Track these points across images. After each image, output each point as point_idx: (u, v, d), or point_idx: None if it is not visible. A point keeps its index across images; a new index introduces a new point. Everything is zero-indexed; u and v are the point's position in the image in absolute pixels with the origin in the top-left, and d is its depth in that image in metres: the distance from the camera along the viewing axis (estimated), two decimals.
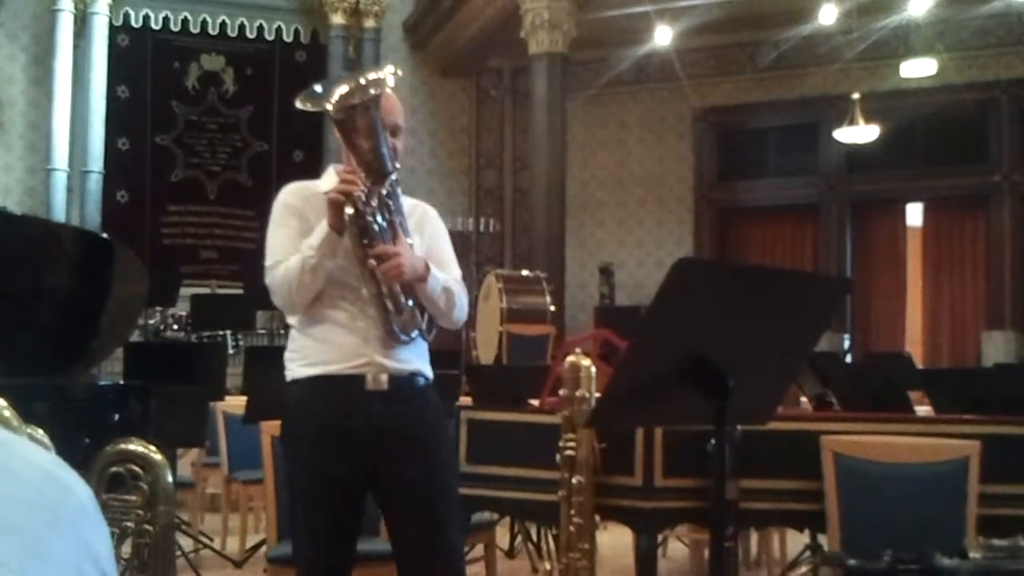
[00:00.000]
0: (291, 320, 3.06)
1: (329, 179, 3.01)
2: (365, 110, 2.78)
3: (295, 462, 2.98)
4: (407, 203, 3.06)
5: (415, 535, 2.94)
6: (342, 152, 2.98)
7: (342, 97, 2.79)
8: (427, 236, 3.09)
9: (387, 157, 2.84)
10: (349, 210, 2.80)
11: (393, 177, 2.88)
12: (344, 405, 2.90)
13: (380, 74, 2.85)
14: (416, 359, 3.00)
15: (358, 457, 2.90)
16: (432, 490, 2.93)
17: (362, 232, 2.82)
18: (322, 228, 2.84)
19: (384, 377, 2.92)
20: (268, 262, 2.97)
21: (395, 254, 2.81)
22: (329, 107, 2.80)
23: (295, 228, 2.96)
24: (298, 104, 2.90)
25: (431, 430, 2.98)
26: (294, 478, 2.99)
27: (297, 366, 2.99)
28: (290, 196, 3.06)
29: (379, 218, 2.84)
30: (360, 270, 2.87)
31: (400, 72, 2.89)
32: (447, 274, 3.03)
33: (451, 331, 3.31)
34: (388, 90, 2.86)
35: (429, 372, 3.06)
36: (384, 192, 2.85)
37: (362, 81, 2.83)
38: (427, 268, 2.91)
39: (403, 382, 2.95)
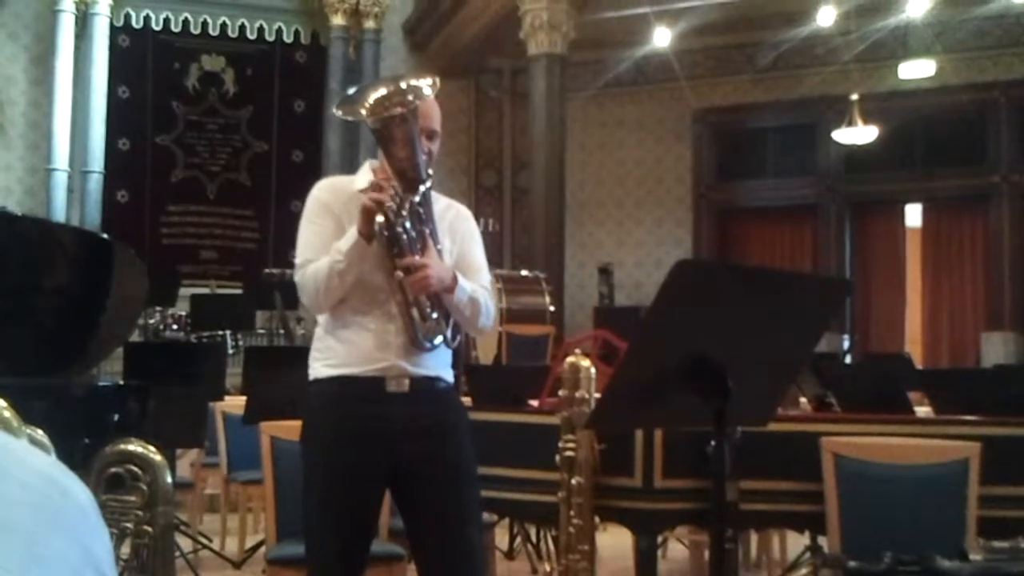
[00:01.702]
0: (319, 319, 3.06)
1: (364, 175, 3.01)
2: (403, 121, 2.77)
3: (313, 460, 2.98)
4: (441, 203, 3.06)
5: (435, 534, 2.94)
6: (379, 150, 2.97)
7: (378, 103, 2.78)
8: (458, 240, 3.08)
9: (422, 166, 2.84)
10: (380, 218, 2.78)
11: (427, 185, 2.88)
12: (364, 405, 2.90)
13: (419, 82, 2.84)
14: (438, 365, 3.00)
15: (377, 457, 2.90)
16: (452, 489, 2.93)
17: (391, 241, 2.81)
18: (352, 234, 2.84)
19: (405, 380, 2.92)
20: (298, 259, 2.98)
21: (422, 266, 2.80)
22: (365, 114, 2.80)
23: (327, 226, 2.96)
24: (335, 111, 2.90)
25: (452, 430, 2.98)
26: (311, 476, 2.98)
27: (320, 365, 2.99)
28: (323, 192, 3.05)
29: (409, 227, 2.82)
30: (387, 278, 2.86)
31: (439, 83, 2.87)
32: (476, 280, 3.02)
33: None
34: (427, 96, 2.85)
35: (450, 377, 3.06)
36: (416, 200, 2.84)
37: (403, 85, 2.82)
38: (454, 279, 2.90)
39: (424, 384, 2.95)
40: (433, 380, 2.98)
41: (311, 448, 2.99)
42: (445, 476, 2.92)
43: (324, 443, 2.94)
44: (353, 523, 2.95)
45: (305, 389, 3.04)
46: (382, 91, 2.82)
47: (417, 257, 2.82)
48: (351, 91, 2.99)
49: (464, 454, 2.99)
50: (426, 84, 2.84)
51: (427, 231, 2.88)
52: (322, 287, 2.88)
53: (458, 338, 3.09)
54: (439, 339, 2.96)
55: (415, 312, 2.88)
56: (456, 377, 3.24)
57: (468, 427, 3.05)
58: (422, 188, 2.86)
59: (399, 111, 2.76)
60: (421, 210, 2.86)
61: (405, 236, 2.81)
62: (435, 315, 2.92)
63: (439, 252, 2.91)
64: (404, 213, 2.81)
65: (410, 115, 2.78)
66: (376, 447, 2.89)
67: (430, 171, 2.89)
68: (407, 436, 2.90)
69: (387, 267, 2.84)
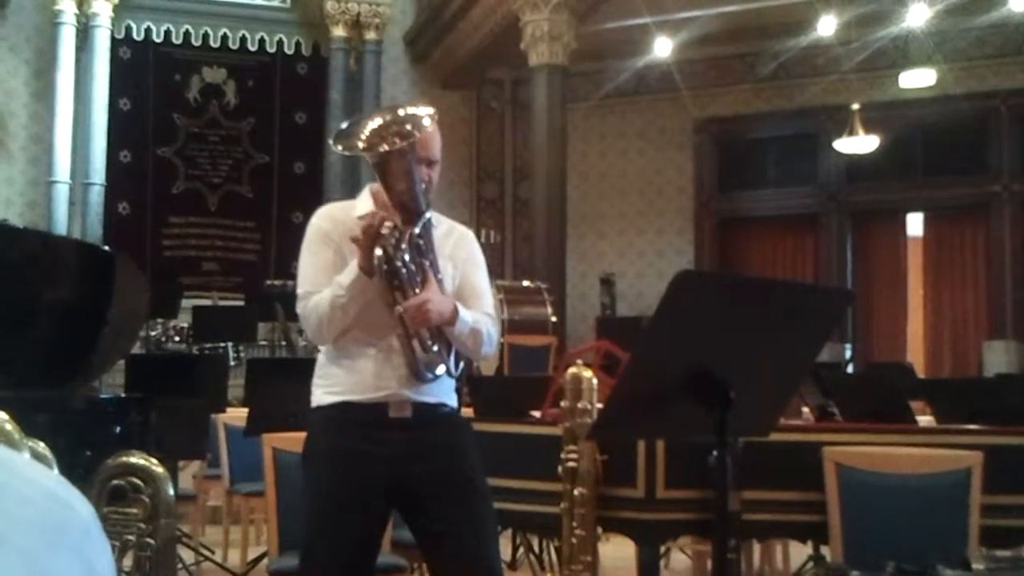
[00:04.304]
0: (320, 348, 3.06)
1: (365, 202, 3.00)
2: (401, 155, 2.75)
3: (314, 483, 2.96)
4: (442, 227, 3.04)
5: (454, 553, 2.91)
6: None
7: (374, 134, 2.76)
8: (460, 265, 3.06)
9: (420, 197, 2.82)
10: (379, 252, 2.76)
11: (427, 216, 2.87)
12: (366, 430, 2.89)
13: (417, 112, 2.82)
14: (442, 392, 2.99)
15: (379, 478, 2.89)
16: (466, 506, 2.91)
17: (391, 275, 2.79)
18: (353, 267, 2.82)
19: (408, 406, 2.91)
20: (299, 291, 2.97)
21: (422, 301, 2.78)
22: (362, 147, 2.79)
23: (326, 256, 2.95)
24: (332, 146, 2.90)
25: (458, 448, 2.97)
26: (312, 500, 2.96)
27: (322, 392, 2.99)
28: (324, 221, 3.04)
29: (408, 260, 2.80)
30: (388, 311, 2.84)
31: (436, 113, 2.86)
32: (478, 306, 3.00)
33: None
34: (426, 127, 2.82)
35: (454, 403, 3.06)
36: (416, 232, 2.82)
37: (400, 114, 2.81)
38: (455, 311, 2.88)
39: (427, 410, 2.94)
40: (436, 407, 2.97)
41: (312, 473, 2.98)
42: (451, 498, 2.90)
43: (325, 468, 2.93)
44: (352, 549, 2.93)
45: (307, 400, 3.04)
46: (379, 121, 2.80)
47: (417, 291, 2.81)
48: (345, 124, 2.97)
49: (469, 474, 2.96)
50: (425, 114, 2.82)
51: (427, 263, 2.86)
52: (325, 320, 2.88)
53: (460, 367, 3.08)
54: (441, 369, 2.94)
55: (416, 344, 2.86)
56: (458, 388, 3.24)
57: (475, 446, 3.03)
58: (421, 220, 2.84)
59: (397, 145, 2.74)
60: (421, 242, 2.84)
61: (404, 270, 2.79)
62: (435, 347, 2.90)
63: (440, 282, 2.89)
64: (403, 246, 2.78)
65: (408, 148, 2.75)
66: (378, 469, 2.87)
67: (429, 201, 2.87)
68: (411, 457, 2.88)
69: (388, 300, 2.83)
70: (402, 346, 2.87)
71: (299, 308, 2.97)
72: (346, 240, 2.89)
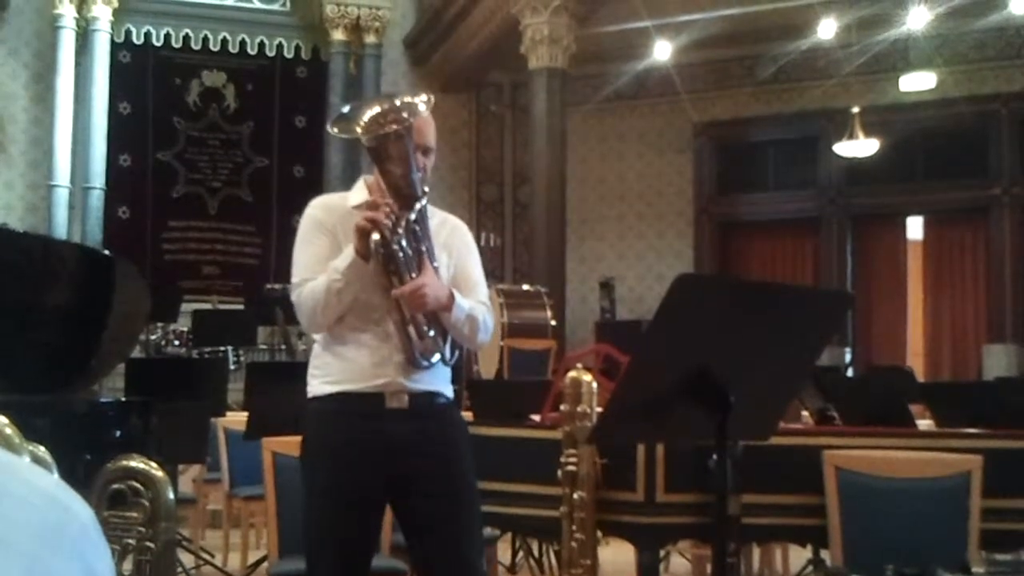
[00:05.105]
0: (316, 337, 3.06)
1: (359, 192, 3.01)
2: (398, 139, 2.77)
3: (314, 477, 2.97)
4: (436, 218, 3.06)
5: (435, 553, 2.93)
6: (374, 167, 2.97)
7: (372, 120, 2.78)
8: (455, 255, 3.07)
9: (417, 183, 2.84)
10: (375, 237, 2.78)
11: (423, 202, 2.88)
12: (364, 422, 2.89)
13: (413, 99, 2.85)
14: (438, 381, 3.00)
15: (377, 473, 2.90)
16: (453, 507, 2.92)
17: (388, 260, 2.81)
18: (348, 252, 2.84)
19: (405, 396, 2.92)
20: (294, 279, 2.98)
21: (419, 286, 2.80)
22: (360, 132, 2.80)
23: (323, 245, 2.96)
24: (329, 129, 2.92)
25: (452, 447, 2.98)
26: (312, 493, 2.98)
27: (318, 383, 2.99)
28: (318, 211, 3.06)
29: (405, 245, 2.82)
30: (384, 297, 2.86)
31: (433, 99, 2.88)
32: (473, 296, 3.02)
33: None
34: (421, 112, 2.84)
35: (450, 393, 3.06)
36: (412, 217, 2.84)
37: (397, 102, 2.83)
38: (451, 297, 2.89)
39: (423, 400, 2.95)
40: (433, 396, 2.98)
41: (312, 465, 2.98)
42: (445, 494, 2.91)
43: (324, 460, 2.94)
44: (354, 540, 2.95)
45: (306, 405, 3.04)
46: (376, 109, 2.82)
47: (413, 276, 2.82)
48: (345, 109, 3.00)
49: (465, 471, 2.98)
50: (421, 101, 2.85)
51: (423, 249, 2.88)
52: (320, 306, 2.88)
53: (456, 355, 3.09)
54: (436, 357, 2.95)
55: (412, 330, 2.88)
56: (457, 392, 3.25)
57: (469, 443, 3.04)
58: (418, 205, 2.86)
59: (394, 128, 2.76)
60: (417, 228, 2.87)
61: (401, 254, 2.81)
62: (432, 333, 2.91)
63: (435, 269, 2.90)
64: (400, 231, 2.81)
65: (405, 132, 2.77)
66: (376, 463, 2.89)
67: (426, 188, 2.89)
68: (407, 452, 2.89)
69: (384, 285, 2.84)
70: (398, 332, 2.89)
71: (294, 296, 2.98)
72: (341, 228, 2.92)
